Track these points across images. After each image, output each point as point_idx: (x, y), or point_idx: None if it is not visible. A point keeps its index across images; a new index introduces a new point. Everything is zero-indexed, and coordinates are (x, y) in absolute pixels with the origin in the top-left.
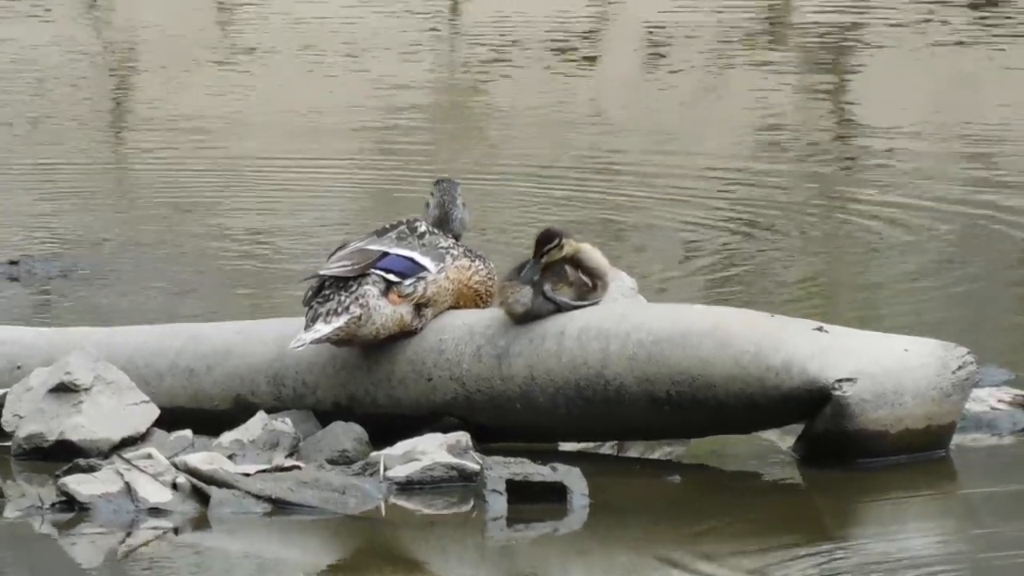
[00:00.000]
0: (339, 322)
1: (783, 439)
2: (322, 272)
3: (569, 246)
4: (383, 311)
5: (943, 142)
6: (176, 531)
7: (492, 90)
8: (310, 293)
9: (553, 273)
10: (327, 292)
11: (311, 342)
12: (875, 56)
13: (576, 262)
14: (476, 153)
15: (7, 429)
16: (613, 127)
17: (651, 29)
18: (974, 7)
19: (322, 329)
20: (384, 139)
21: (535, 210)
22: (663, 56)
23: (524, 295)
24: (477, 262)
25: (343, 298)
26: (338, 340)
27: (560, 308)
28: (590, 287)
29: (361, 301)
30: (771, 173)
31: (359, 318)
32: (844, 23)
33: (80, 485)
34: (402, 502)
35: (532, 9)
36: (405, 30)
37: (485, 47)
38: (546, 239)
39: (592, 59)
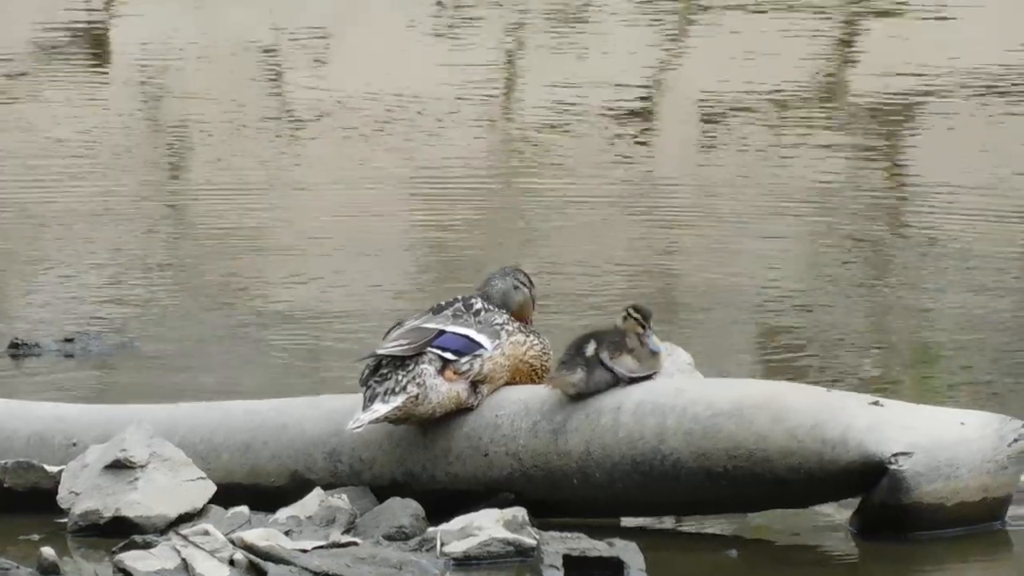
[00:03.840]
0: (397, 401)
1: (840, 512)
2: (379, 351)
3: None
4: (440, 389)
5: (1000, 217)
6: None
7: (547, 161)
8: (367, 372)
9: (611, 342)
10: (384, 371)
11: (369, 422)
12: (931, 128)
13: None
14: (529, 227)
15: (63, 506)
16: (667, 198)
17: (705, 99)
18: None
19: (380, 409)
20: (438, 210)
21: (593, 277)
22: (717, 125)
23: (576, 377)
24: (532, 337)
25: (400, 377)
26: (395, 419)
27: (618, 378)
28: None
29: (418, 380)
30: (823, 243)
31: (416, 397)
32: (901, 95)
33: (137, 562)
34: None
35: (585, 80)
36: (459, 99)
37: (539, 117)
38: (647, 313)
39: (647, 130)
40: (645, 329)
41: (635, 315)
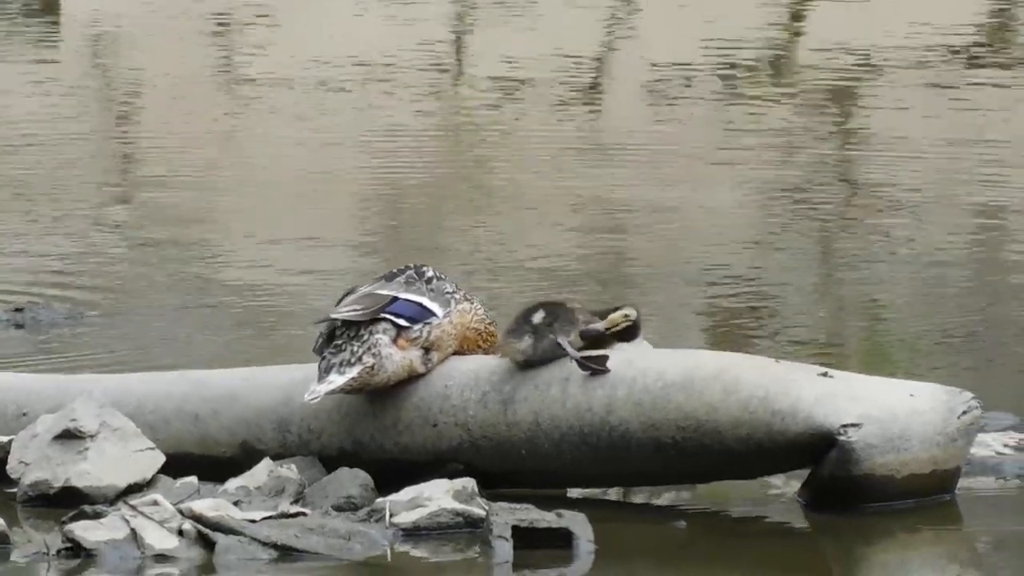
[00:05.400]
0: (353, 372)
1: (789, 484)
2: (333, 316)
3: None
4: (395, 359)
5: (949, 184)
6: None
7: (497, 125)
8: (321, 341)
9: (567, 321)
10: (339, 342)
11: (326, 394)
12: (882, 95)
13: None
14: (479, 193)
15: (13, 476)
16: (616, 166)
17: (655, 68)
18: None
19: (336, 380)
20: (389, 176)
21: (540, 241)
22: (666, 95)
23: (524, 344)
24: (475, 304)
25: (356, 347)
26: (351, 389)
27: (569, 356)
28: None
29: (374, 351)
30: (772, 207)
31: (372, 367)
32: (853, 63)
33: (86, 531)
34: (408, 548)
35: (535, 48)
36: (408, 66)
37: (488, 85)
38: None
39: (596, 98)
40: (602, 327)
41: (623, 317)
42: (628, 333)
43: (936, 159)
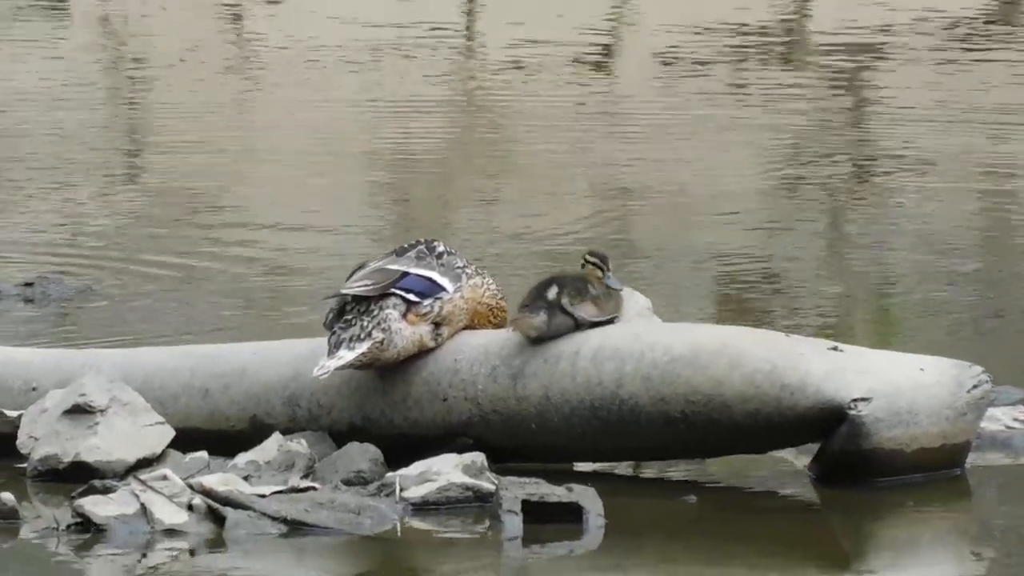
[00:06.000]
0: (362, 347)
1: (799, 458)
2: (343, 291)
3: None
4: (404, 334)
5: (960, 158)
6: (192, 552)
7: (506, 105)
8: (331, 316)
9: (573, 288)
10: (349, 317)
11: (335, 369)
12: (893, 73)
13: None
14: (491, 170)
15: (23, 451)
16: (627, 141)
17: (665, 46)
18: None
19: (345, 355)
20: (400, 150)
21: (552, 214)
22: (676, 71)
23: (538, 320)
24: (487, 278)
25: (366, 323)
26: (361, 365)
27: (578, 323)
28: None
29: (383, 326)
30: (782, 183)
31: (382, 343)
32: (862, 40)
33: (96, 506)
34: (418, 522)
35: (545, 24)
36: (419, 45)
37: (499, 60)
38: (604, 257)
39: (606, 73)
40: (604, 272)
41: (592, 260)
42: (600, 259)
43: (947, 133)
